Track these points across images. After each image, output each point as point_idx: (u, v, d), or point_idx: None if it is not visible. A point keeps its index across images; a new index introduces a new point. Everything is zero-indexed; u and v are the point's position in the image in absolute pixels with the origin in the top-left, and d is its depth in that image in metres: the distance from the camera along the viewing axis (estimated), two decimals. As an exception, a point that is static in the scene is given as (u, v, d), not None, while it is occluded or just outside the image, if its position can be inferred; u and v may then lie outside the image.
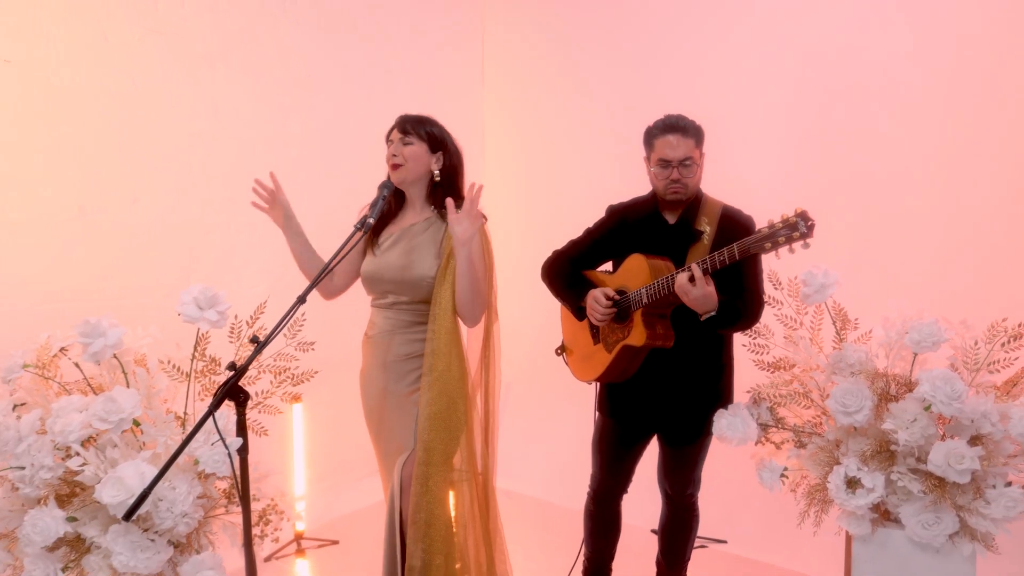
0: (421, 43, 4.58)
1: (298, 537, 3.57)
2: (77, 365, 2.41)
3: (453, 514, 2.38)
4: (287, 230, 2.49)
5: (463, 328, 2.40)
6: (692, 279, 2.22)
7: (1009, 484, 2.13)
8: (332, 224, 4.12)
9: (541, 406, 4.50)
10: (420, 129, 2.35)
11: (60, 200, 3.14)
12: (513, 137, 4.87)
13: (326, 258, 2.39)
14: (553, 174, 4.64)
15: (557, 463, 4.14)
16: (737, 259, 2.19)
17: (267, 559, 3.41)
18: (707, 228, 2.47)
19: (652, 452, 2.71)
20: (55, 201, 3.12)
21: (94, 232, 3.24)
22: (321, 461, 3.95)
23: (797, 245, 2.10)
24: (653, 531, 2.93)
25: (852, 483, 2.22)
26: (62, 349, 2.43)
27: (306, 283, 2.18)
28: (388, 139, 2.40)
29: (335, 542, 3.58)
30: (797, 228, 2.08)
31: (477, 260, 2.25)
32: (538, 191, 4.71)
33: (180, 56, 3.47)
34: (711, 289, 2.23)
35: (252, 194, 2.44)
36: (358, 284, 2.57)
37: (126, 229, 3.33)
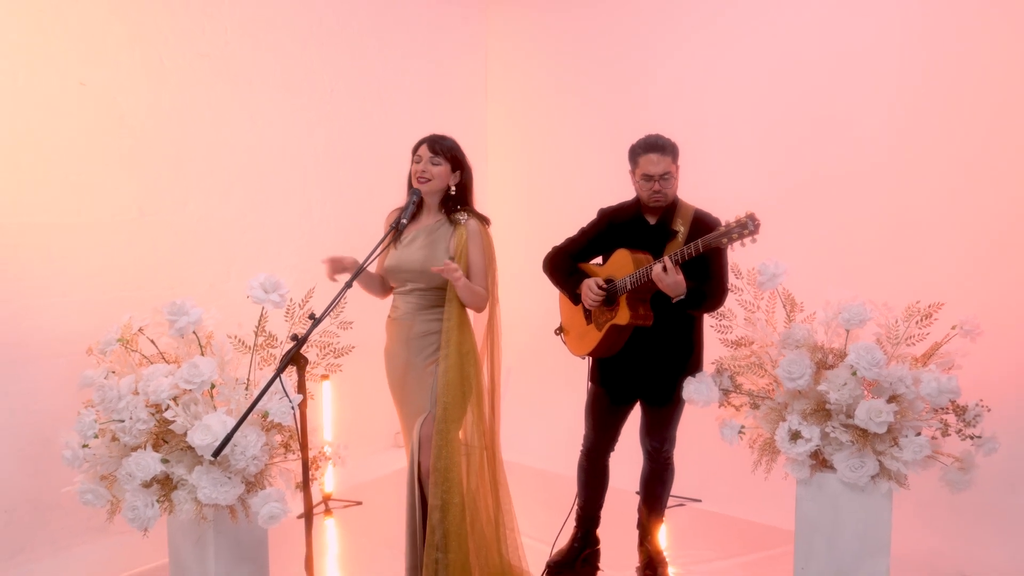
0: (432, 60, 5.08)
1: (326, 499, 4.07)
2: (152, 342, 2.91)
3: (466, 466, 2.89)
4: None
5: (471, 311, 2.92)
6: (665, 269, 2.73)
7: (919, 434, 2.64)
8: (353, 221, 4.66)
9: (540, 386, 4.99)
10: (447, 151, 2.86)
11: (121, 204, 3.62)
12: (514, 145, 5.37)
13: (359, 256, 2.91)
14: (550, 179, 5.15)
15: (554, 436, 4.63)
16: (702, 251, 2.70)
17: (299, 517, 3.89)
18: (681, 228, 2.98)
19: (635, 418, 3.22)
20: (117, 205, 3.61)
21: (150, 231, 3.72)
22: (346, 431, 4.43)
23: (747, 240, 2.61)
24: (636, 492, 3.43)
25: (795, 436, 2.72)
26: (140, 329, 2.93)
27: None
28: (416, 153, 2.89)
29: (359, 503, 4.08)
30: (747, 227, 2.60)
31: (463, 288, 2.78)
32: (537, 194, 5.21)
33: (223, 76, 3.96)
34: (680, 277, 2.74)
35: (283, 197, 2.95)
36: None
37: (177, 229, 3.82)
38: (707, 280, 2.92)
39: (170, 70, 3.73)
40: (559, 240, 3.23)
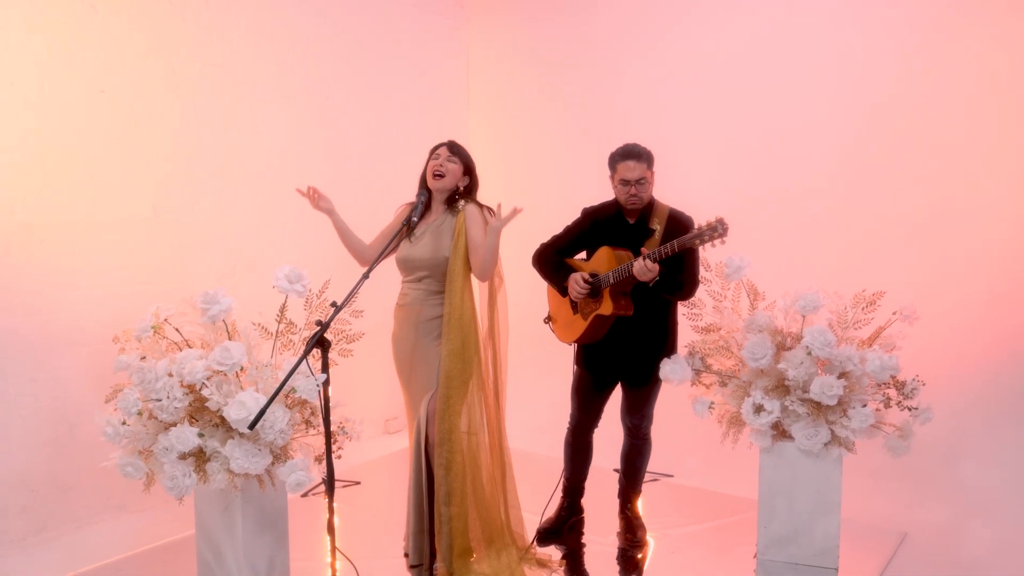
0: (418, 69, 5.38)
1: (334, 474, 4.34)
2: (177, 330, 3.19)
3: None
4: (333, 220, 3.32)
5: (474, 291, 3.24)
6: (646, 264, 3.08)
7: (864, 406, 3.03)
8: (349, 219, 4.93)
9: (525, 372, 5.30)
10: (461, 155, 3.20)
11: (138, 203, 3.88)
12: (496, 150, 5.65)
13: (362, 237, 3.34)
14: (532, 181, 5.44)
15: (538, 419, 4.96)
16: (677, 251, 3.05)
17: (303, 495, 4.19)
18: (658, 227, 3.33)
19: (615, 399, 3.58)
20: (134, 204, 3.87)
21: (164, 230, 3.98)
22: (341, 417, 4.71)
23: (717, 242, 2.97)
24: (616, 470, 3.79)
25: (758, 409, 3.10)
26: (166, 318, 3.21)
27: (339, 262, 3.09)
28: (435, 151, 3.22)
29: (358, 483, 4.38)
30: (716, 230, 2.96)
31: (493, 240, 3.08)
32: (519, 197, 5.40)
33: (230, 83, 4.23)
34: (656, 266, 3.09)
35: (289, 197, 3.29)
36: (380, 276, 3.39)
37: (190, 226, 4.08)
38: (682, 272, 3.27)
39: (182, 78, 4.00)
40: (544, 238, 3.55)
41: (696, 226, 3.07)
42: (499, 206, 3.06)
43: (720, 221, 2.97)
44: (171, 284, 3.96)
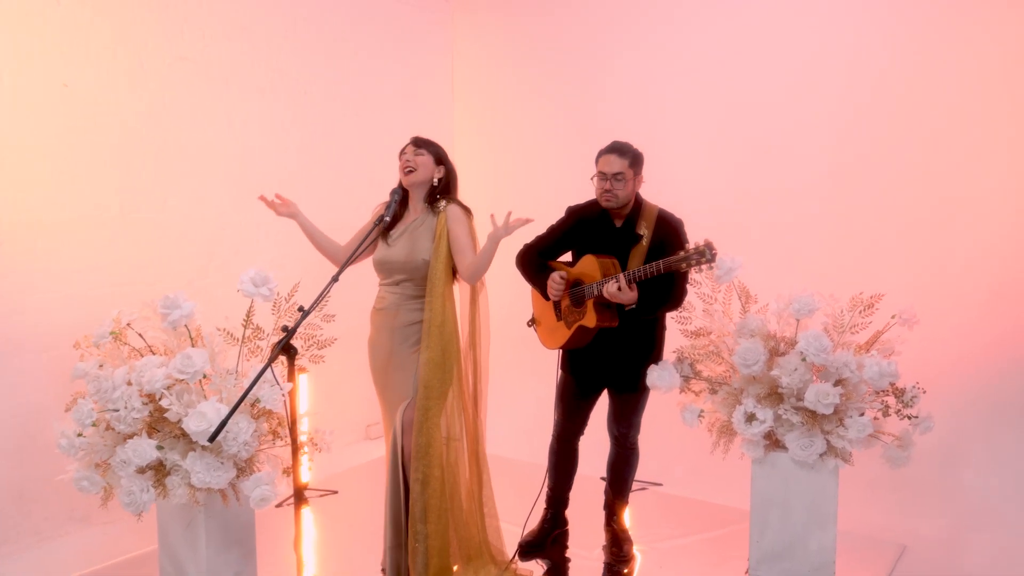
0: (401, 64, 5.23)
1: (302, 488, 4.19)
2: (140, 335, 3.03)
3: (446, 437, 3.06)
4: (299, 223, 3.20)
5: (455, 297, 3.08)
6: (619, 288, 2.93)
7: (862, 415, 2.88)
8: (328, 218, 4.78)
9: (509, 377, 5.15)
10: (428, 146, 3.04)
11: (103, 202, 3.72)
12: (481, 146, 5.54)
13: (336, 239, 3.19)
14: (517, 179, 5.33)
15: (521, 425, 4.81)
16: (661, 272, 2.90)
17: (278, 506, 4.03)
18: (645, 231, 3.17)
19: (602, 406, 3.43)
20: (99, 203, 3.71)
21: (132, 229, 3.82)
22: (318, 424, 4.55)
23: (704, 267, 2.82)
24: (602, 478, 3.63)
25: (750, 418, 2.95)
26: (128, 323, 3.05)
27: (317, 262, 2.86)
28: (402, 152, 3.05)
29: (334, 492, 4.22)
30: (704, 255, 2.81)
31: (491, 248, 2.91)
32: (504, 194, 5.37)
33: (201, 78, 4.07)
34: (633, 294, 2.96)
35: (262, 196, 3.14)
36: (360, 278, 3.23)
37: (158, 226, 3.92)
38: (667, 287, 3.10)
39: (150, 72, 3.84)
40: (527, 239, 3.40)
41: (684, 248, 2.90)
42: (492, 217, 2.89)
43: (708, 245, 2.83)
44: (139, 286, 3.81)
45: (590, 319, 3.12)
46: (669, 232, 3.13)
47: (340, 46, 4.82)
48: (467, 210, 3.10)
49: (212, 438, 2.46)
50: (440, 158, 3.08)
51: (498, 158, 5.45)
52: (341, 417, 4.84)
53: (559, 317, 3.30)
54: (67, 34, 3.53)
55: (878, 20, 4.00)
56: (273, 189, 4.42)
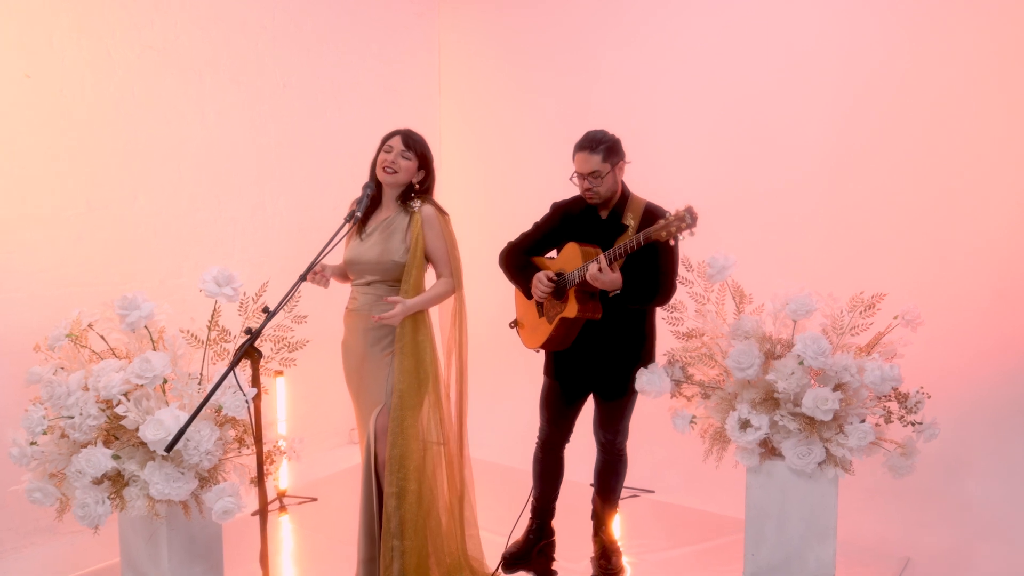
0: (385, 56, 5.06)
1: (281, 495, 4.03)
2: (102, 337, 2.86)
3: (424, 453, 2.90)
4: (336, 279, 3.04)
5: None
6: (600, 269, 2.76)
7: (863, 421, 2.72)
8: (306, 215, 4.64)
9: (496, 380, 5.01)
10: (419, 148, 2.87)
11: (69, 198, 3.55)
12: (467, 141, 5.38)
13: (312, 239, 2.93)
14: (503, 174, 5.17)
15: (509, 430, 4.66)
16: (642, 244, 2.73)
17: (253, 514, 3.86)
18: (632, 222, 3.01)
19: (588, 411, 3.26)
20: (65, 199, 3.54)
21: (100, 226, 3.66)
22: (300, 428, 4.40)
23: (686, 233, 2.64)
24: (590, 485, 3.47)
25: (744, 424, 2.79)
26: (90, 324, 2.88)
27: (295, 262, 2.69)
28: (387, 142, 2.88)
29: (314, 499, 4.06)
30: (684, 220, 2.63)
31: (416, 307, 2.84)
32: (490, 190, 5.23)
33: (172, 69, 3.90)
34: (616, 275, 2.78)
35: (236, 191, 2.95)
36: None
37: (127, 223, 3.76)
38: (653, 275, 2.95)
39: (117, 63, 3.67)
40: (513, 235, 3.25)
41: (664, 216, 2.72)
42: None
43: (688, 210, 2.64)
44: (107, 286, 3.65)
45: (571, 309, 2.95)
46: (654, 223, 2.95)
47: (319, 37, 4.65)
48: (442, 211, 2.95)
49: (169, 448, 2.28)
50: (425, 163, 2.92)
51: (485, 152, 5.30)
52: (323, 421, 4.69)
53: (541, 313, 3.14)
54: (28, 22, 3.36)
55: (876, 10, 3.83)
56: (249, 185, 4.29)
